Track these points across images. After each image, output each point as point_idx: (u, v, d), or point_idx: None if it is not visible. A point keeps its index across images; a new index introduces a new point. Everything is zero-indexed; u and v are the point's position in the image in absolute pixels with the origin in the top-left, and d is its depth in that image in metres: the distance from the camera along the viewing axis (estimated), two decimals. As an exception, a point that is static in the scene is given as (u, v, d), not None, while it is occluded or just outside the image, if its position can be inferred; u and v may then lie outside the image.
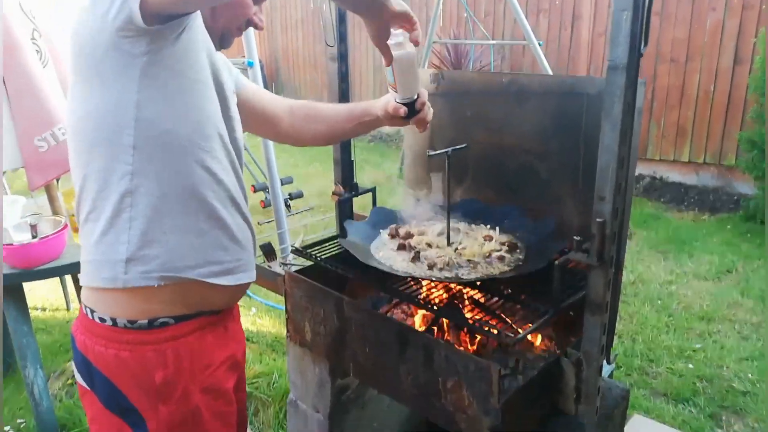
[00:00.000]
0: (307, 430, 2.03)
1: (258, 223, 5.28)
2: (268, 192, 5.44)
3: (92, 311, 1.11)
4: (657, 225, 5.15)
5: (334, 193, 1.96)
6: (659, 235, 4.88)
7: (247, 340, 3.32)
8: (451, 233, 1.72)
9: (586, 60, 6.40)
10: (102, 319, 1.09)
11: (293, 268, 1.87)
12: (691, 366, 3.07)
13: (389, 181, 6.44)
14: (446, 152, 1.62)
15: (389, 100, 1.41)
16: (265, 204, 5.35)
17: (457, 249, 1.66)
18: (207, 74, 1.10)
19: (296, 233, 4.62)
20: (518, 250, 1.67)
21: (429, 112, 1.42)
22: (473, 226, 1.86)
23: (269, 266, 1.92)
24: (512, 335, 1.31)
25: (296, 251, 1.80)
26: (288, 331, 1.89)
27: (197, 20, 1.04)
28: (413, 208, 1.97)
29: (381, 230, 1.84)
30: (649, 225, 5.14)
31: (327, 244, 1.88)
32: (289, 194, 5.43)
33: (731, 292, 3.88)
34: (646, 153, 6.12)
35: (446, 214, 1.68)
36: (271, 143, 3.07)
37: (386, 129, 8.90)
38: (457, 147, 1.66)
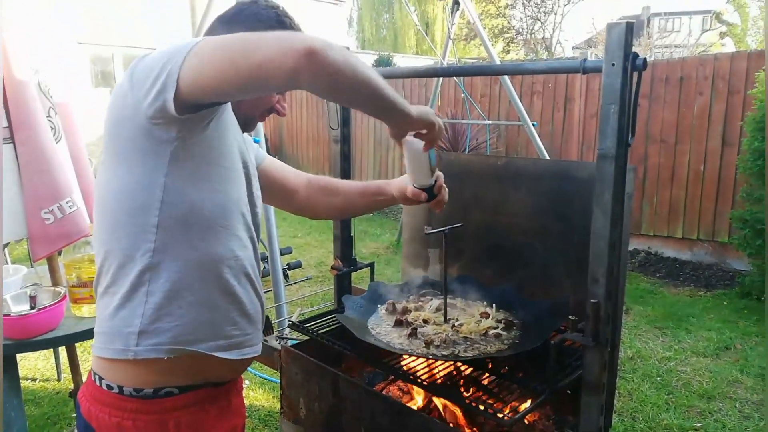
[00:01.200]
0: None
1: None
2: (266, 262, 5.47)
3: (101, 378, 1.11)
4: (653, 300, 5.15)
5: (333, 268, 1.99)
6: (656, 311, 4.87)
7: (240, 414, 3.25)
8: (448, 309, 1.75)
9: (578, 139, 6.62)
10: (109, 387, 1.10)
11: (290, 343, 1.88)
12: (693, 447, 3.01)
13: (387, 252, 6.48)
14: (443, 230, 1.67)
15: (407, 183, 1.47)
16: (263, 274, 5.36)
17: (454, 326, 1.67)
18: (235, 159, 1.15)
19: (294, 304, 4.61)
20: (514, 328, 1.69)
21: (445, 193, 1.47)
22: (470, 302, 1.89)
23: (265, 340, 1.92)
24: (510, 415, 1.31)
25: (293, 326, 1.81)
26: (282, 408, 1.87)
27: (227, 108, 1.11)
28: (411, 283, 2.00)
29: (378, 305, 1.86)
30: (646, 300, 5.14)
31: (324, 319, 1.89)
32: (288, 264, 5.45)
33: (730, 369, 3.84)
34: (640, 229, 6.21)
35: (443, 290, 1.71)
36: (273, 213, 3.13)
37: (384, 201, 9.03)
38: (454, 225, 1.71)
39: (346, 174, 2.00)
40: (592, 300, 1.36)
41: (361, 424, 1.60)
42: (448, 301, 1.76)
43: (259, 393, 3.47)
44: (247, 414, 3.26)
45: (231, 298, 1.17)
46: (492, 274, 1.97)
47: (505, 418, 1.31)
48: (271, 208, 3.12)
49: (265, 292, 4.40)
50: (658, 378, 3.74)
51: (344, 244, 2.02)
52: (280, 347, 1.83)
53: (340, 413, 1.66)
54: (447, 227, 1.68)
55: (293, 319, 2.11)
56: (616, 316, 1.47)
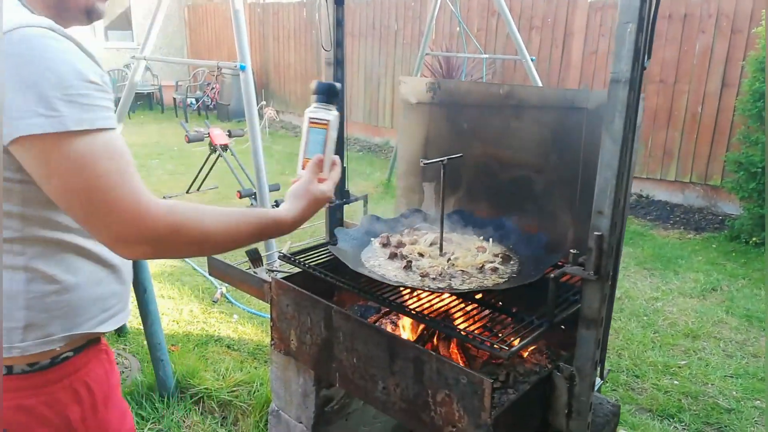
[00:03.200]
0: (289, 442, 1.98)
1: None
2: (254, 198, 5.39)
3: None
4: (643, 242, 5.17)
5: (330, 201, 1.92)
6: (645, 252, 4.89)
7: (229, 347, 3.25)
8: (444, 244, 1.69)
9: (576, 77, 6.46)
10: None
11: (279, 275, 1.83)
12: (676, 382, 3.06)
13: (378, 191, 6.41)
14: (441, 161, 1.59)
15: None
16: (252, 210, 5.28)
17: (449, 259, 1.62)
18: None
19: (282, 240, 4.57)
20: (512, 262, 1.64)
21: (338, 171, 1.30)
22: (466, 236, 1.83)
23: (255, 272, 1.87)
24: (506, 348, 1.27)
25: (284, 258, 1.75)
26: (272, 340, 1.84)
27: None
28: (405, 217, 1.94)
29: (372, 239, 1.80)
30: (635, 242, 5.16)
31: (315, 252, 1.83)
32: (276, 201, 5.36)
33: (716, 310, 3.89)
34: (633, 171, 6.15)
35: (439, 223, 1.65)
36: (261, 149, 3.02)
37: (376, 140, 8.90)
38: (453, 156, 1.63)
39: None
40: (596, 233, 1.31)
41: (354, 355, 1.57)
42: (444, 235, 1.70)
43: (247, 327, 3.47)
44: (236, 347, 3.27)
45: (111, 269, 1.06)
46: (489, 208, 1.91)
47: (502, 350, 1.27)
48: (258, 141, 3.00)
49: None
50: (645, 317, 3.78)
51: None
52: (270, 279, 1.78)
53: (332, 345, 1.62)
54: (445, 157, 1.60)
55: (284, 251, 2.05)
56: (618, 250, 1.42)
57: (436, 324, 1.39)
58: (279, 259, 1.77)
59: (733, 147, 5.29)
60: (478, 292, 1.48)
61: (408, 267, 1.57)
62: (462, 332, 1.34)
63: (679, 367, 3.21)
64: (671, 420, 2.76)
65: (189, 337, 3.32)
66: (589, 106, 1.62)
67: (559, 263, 1.59)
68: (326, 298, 1.70)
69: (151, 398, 2.69)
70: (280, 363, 1.88)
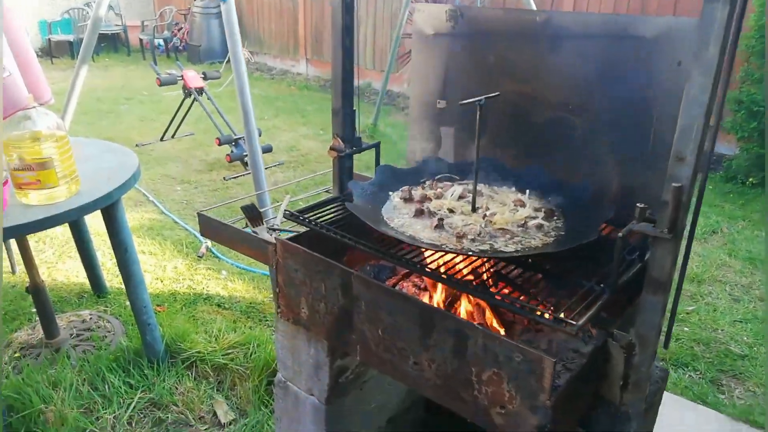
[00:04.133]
0: (298, 414, 1.80)
1: (224, 179, 4.93)
2: (234, 145, 5.08)
3: None
4: (638, 186, 5.05)
5: (332, 149, 1.68)
6: (642, 197, 4.78)
7: (219, 306, 3.05)
8: (476, 197, 1.48)
9: (570, 2, 6.13)
10: None
11: (283, 235, 1.60)
12: (686, 329, 2.98)
13: (364, 137, 6.12)
14: (479, 101, 1.36)
15: None
16: (232, 158, 4.98)
17: (485, 216, 1.41)
18: None
19: (277, 193, 4.31)
20: (555, 217, 1.44)
21: None
22: (495, 188, 1.62)
23: (254, 232, 1.64)
24: (572, 322, 1.09)
25: (291, 216, 1.52)
26: (278, 307, 1.63)
27: None
28: (424, 167, 1.72)
29: (390, 193, 1.58)
30: (631, 186, 5.03)
31: (323, 209, 1.61)
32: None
33: (718, 253, 3.80)
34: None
35: (474, 173, 1.42)
36: (248, 90, 2.73)
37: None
38: (491, 95, 1.39)
39: (348, 53, 1.63)
40: (674, 183, 1.10)
41: (378, 326, 1.37)
42: (472, 188, 1.48)
43: (237, 284, 3.26)
44: (227, 306, 3.07)
45: None
46: (521, 156, 1.69)
47: (567, 324, 1.09)
48: (245, 78, 2.70)
49: (234, 177, 4.11)
50: (648, 263, 3.68)
51: (345, 119, 1.69)
52: (274, 241, 1.55)
53: (351, 315, 1.42)
54: (482, 97, 1.36)
55: (284, 207, 1.81)
56: (699, 204, 1.23)
57: (487, 295, 1.19)
58: (284, 217, 1.54)
59: (732, 86, 5.11)
60: (531, 255, 1.28)
61: (440, 226, 1.36)
62: (520, 305, 1.14)
63: (687, 314, 3.13)
64: (686, 369, 2.68)
65: (175, 297, 3.10)
66: (647, 34, 1.39)
67: (611, 217, 1.39)
68: (337, 261, 1.50)
69: (140, 364, 2.50)
70: (287, 332, 1.68)
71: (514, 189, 1.61)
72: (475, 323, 1.18)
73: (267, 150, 5.17)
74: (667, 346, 1.33)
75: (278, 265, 1.58)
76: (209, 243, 3.64)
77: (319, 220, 1.53)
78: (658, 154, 1.43)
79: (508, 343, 1.15)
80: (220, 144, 4.97)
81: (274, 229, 1.70)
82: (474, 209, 1.46)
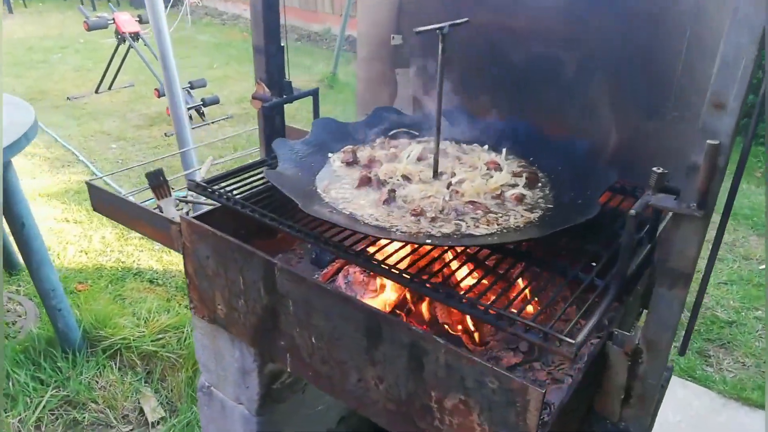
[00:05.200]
0: (226, 424, 1.49)
1: (165, 134, 4.46)
2: (176, 96, 4.59)
3: None
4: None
5: (254, 97, 1.31)
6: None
7: (151, 282, 2.68)
8: (438, 159, 1.14)
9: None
10: None
11: (196, 211, 1.25)
12: (669, 296, 2.75)
13: (322, 87, 5.67)
14: (439, 29, 1.00)
15: None
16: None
17: (450, 184, 1.08)
18: None
19: (212, 149, 3.89)
20: (541, 185, 1.12)
21: None
22: (465, 147, 1.28)
23: (158, 207, 1.28)
24: (568, 341, 0.77)
25: (197, 187, 1.16)
26: (191, 302, 1.29)
27: None
28: (374, 120, 1.36)
29: (330, 154, 1.23)
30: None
31: (242, 176, 1.25)
32: (202, 100, 4.61)
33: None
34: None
35: (436, 127, 1.08)
36: (167, 33, 2.28)
37: (315, 27, 7.96)
38: (456, 22, 1.03)
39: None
40: (709, 141, 0.78)
41: (311, 333, 1.05)
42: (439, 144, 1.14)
43: (174, 255, 2.88)
44: (160, 282, 2.70)
45: None
46: (495, 104, 1.35)
47: (562, 343, 0.77)
48: (162, 19, 2.26)
49: (168, 135, 3.62)
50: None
51: (270, 60, 1.31)
52: (179, 219, 1.19)
53: (278, 316, 1.09)
54: (445, 24, 1.01)
55: (202, 173, 1.45)
56: (738, 172, 0.92)
57: (449, 298, 0.86)
58: (189, 189, 1.17)
59: None
60: (509, 243, 0.95)
61: (391, 200, 1.02)
62: (496, 314, 0.82)
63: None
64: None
65: (101, 272, 2.72)
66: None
67: (617, 184, 1.08)
68: (264, 241, 1.16)
69: (52, 355, 2.13)
70: (205, 331, 1.35)
71: (487, 147, 1.27)
72: (434, 336, 0.86)
73: (213, 102, 4.71)
74: (684, 353, 1.03)
75: (186, 250, 1.22)
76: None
77: (234, 193, 1.17)
78: (680, 100, 1.11)
79: (480, 364, 0.83)
80: (159, 96, 4.47)
81: (186, 201, 1.33)
82: (436, 175, 1.12)
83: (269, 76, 1.31)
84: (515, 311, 0.83)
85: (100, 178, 3.64)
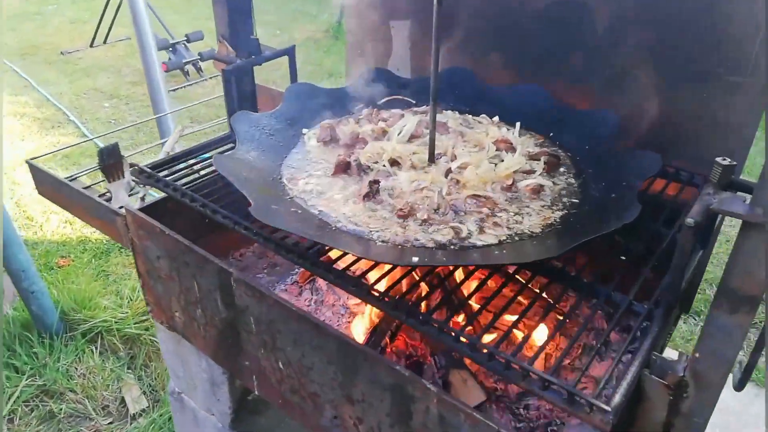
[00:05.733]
0: None
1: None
2: (171, 50, 4.35)
3: None
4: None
5: (216, 59, 1.08)
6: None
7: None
8: (437, 136, 0.91)
9: None
10: None
11: (146, 197, 1.04)
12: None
13: (327, 37, 5.35)
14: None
15: None
16: (169, 67, 4.25)
17: (450, 171, 0.85)
18: None
19: (210, 111, 3.67)
20: (563, 170, 0.89)
21: None
22: (470, 119, 1.05)
23: (107, 193, 1.07)
24: (603, 407, 0.56)
25: (141, 174, 0.95)
26: (147, 304, 1.10)
27: None
28: (361, 84, 1.12)
29: (304, 130, 1.00)
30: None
31: (199, 159, 1.03)
32: (199, 54, 4.34)
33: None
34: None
35: (431, 95, 0.85)
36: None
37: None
38: (457, -40, 0.79)
39: None
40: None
41: (277, 357, 0.85)
42: (436, 118, 0.91)
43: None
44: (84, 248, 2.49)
45: None
46: (506, 66, 1.11)
47: (594, 409, 0.57)
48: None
49: (174, 90, 3.32)
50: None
51: (233, 15, 1.07)
52: (123, 212, 0.99)
53: (239, 333, 0.90)
54: (442, -38, 0.76)
55: (168, 147, 1.24)
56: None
57: (442, 335, 0.65)
58: (132, 176, 0.96)
59: None
60: (520, 264, 0.73)
61: (373, 194, 0.80)
62: (505, 362, 0.61)
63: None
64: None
65: (85, 245, 2.55)
66: None
67: (667, 168, 0.85)
68: (230, 234, 0.95)
69: (28, 340, 1.99)
70: (168, 336, 1.16)
71: (497, 119, 1.04)
72: (425, 383, 0.66)
73: (211, 56, 4.43)
74: (742, 388, 0.82)
75: (134, 247, 1.02)
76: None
77: (185, 180, 0.96)
78: (743, 60, 0.86)
79: (484, 424, 0.63)
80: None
81: (146, 183, 1.12)
82: (432, 158, 0.89)
83: (233, 32, 1.07)
84: (530, 357, 0.62)
85: (91, 140, 3.45)
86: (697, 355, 0.74)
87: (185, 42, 4.41)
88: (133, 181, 1.13)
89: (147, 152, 2.21)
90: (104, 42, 5.16)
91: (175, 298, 1.00)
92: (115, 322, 2.06)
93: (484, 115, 1.06)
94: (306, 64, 4.67)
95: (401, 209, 0.76)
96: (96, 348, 2.01)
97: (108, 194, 1.10)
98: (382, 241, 0.72)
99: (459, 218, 0.77)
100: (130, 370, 1.95)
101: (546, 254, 0.64)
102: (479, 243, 0.72)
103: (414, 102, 1.10)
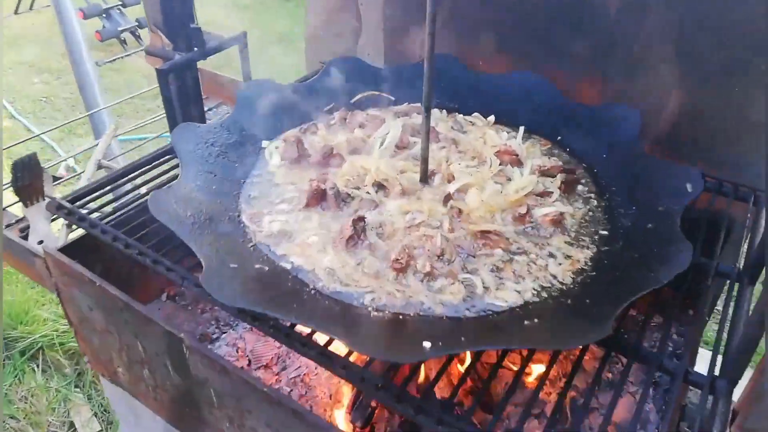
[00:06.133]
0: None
1: (96, 63, 3.85)
2: (105, 17, 3.98)
3: None
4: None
5: (148, 53, 0.88)
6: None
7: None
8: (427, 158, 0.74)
9: None
10: None
11: (73, 233, 0.85)
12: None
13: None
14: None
15: None
16: (103, 36, 3.89)
17: (450, 198, 0.69)
18: None
19: (154, 83, 3.35)
20: (583, 185, 0.74)
21: None
22: (460, 118, 0.89)
23: (22, 218, 0.87)
24: None
25: (60, 209, 0.75)
26: (83, 353, 0.92)
27: None
28: (329, 76, 0.94)
29: (263, 143, 0.82)
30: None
31: (136, 180, 0.84)
32: (137, 21, 3.97)
33: None
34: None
35: (423, 104, 0.68)
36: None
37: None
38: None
39: None
40: None
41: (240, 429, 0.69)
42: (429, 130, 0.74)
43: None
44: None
45: None
46: (502, 48, 0.94)
47: None
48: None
49: (111, 61, 3.02)
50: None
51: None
52: (42, 251, 0.79)
53: (197, 401, 0.73)
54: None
55: (98, 153, 1.04)
56: None
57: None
58: (48, 209, 0.76)
59: None
60: (559, 348, 0.57)
61: (358, 236, 0.63)
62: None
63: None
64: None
65: (19, 245, 2.29)
66: None
67: (716, 180, 0.71)
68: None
69: (-42, 363, 1.76)
70: (115, 387, 0.98)
71: (492, 119, 0.88)
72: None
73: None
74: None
75: (60, 293, 0.83)
76: (72, 160, 2.76)
77: (107, 216, 0.76)
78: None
79: None
80: (84, 17, 3.82)
81: (68, 213, 0.92)
82: (425, 178, 0.73)
83: (168, 19, 0.87)
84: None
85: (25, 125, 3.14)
86: (748, 412, 0.62)
87: (120, 7, 4.03)
88: (57, 210, 0.92)
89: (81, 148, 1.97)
90: (30, 8, 4.70)
91: (115, 354, 0.82)
92: (57, 336, 1.85)
93: (477, 114, 0.89)
94: (253, 28, 4.36)
95: (397, 259, 0.60)
96: (38, 366, 1.80)
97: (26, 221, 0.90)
98: (377, 310, 0.56)
99: (468, 264, 0.62)
100: (78, 389, 1.76)
101: (593, 334, 0.48)
102: (500, 304, 0.57)
103: (393, 99, 0.92)
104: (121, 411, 1.07)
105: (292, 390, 0.86)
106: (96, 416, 1.69)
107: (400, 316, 0.55)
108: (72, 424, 1.68)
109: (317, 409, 0.82)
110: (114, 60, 3.85)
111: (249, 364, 0.91)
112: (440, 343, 0.49)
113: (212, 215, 0.66)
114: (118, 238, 0.70)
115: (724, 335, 0.62)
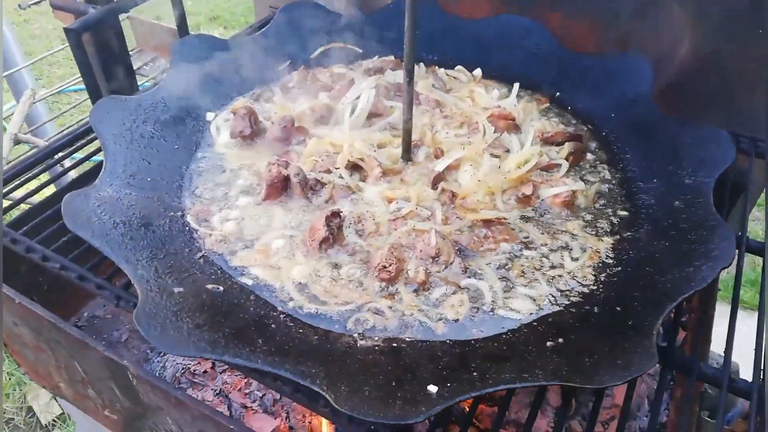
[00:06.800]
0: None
1: (19, 6, 3.47)
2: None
3: None
4: None
5: (54, 6, 0.71)
6: None
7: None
8: (411, 129, 0.61)
9: None
10: None
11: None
12: None
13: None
14: None
15: None
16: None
17: (440, 178, 0.58)
18: None
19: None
20: (590, 155, 0.63)
21: None
22: (442, 73, 0.75)
23: None
24: None
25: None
26: (18, 364, 0.80)
27: None
28: (282, 29, 0.78)
29: (209, 116, 0.68)
30: None
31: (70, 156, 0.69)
32: None
33: None
34: None
35: (404, 68, 0.55)
36: None
37: None
38: None
39: None
40: None
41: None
42: (413, 98, 0.61)
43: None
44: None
45: None
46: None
47: None
48: None
49: (36, 3, 2.73)
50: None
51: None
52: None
53: (155, 425, 0.63)
54: None
55: (13, 126, 0.88)
56: None
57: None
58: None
59: None
60: (601, 387, 0.47)
61: (334, 238, 0.51)
62: None
63: None
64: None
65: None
66: None
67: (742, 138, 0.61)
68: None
69: None
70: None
71: (479, 73, 0.75)
72: None
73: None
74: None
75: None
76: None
77: (22, 216, 0.62)
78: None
79: None
80: (56, 7, 3.41)
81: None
82: (408, 155, 0.61)
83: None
84: None
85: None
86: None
87: (41, -62, 3.60)
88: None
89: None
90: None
91: (53, 370, 0.70)
92: (5, 316, 1.71)
93: (460, 68, 0.76)
94: None
95: (384, 267, 0.49)
96: (-14, 350, 1.67)
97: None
98: (365, 337, 0.45)
99: (469, 265, 0.51)
100: (34, 372, 1.64)
101: (638, 362, 0.38)
102: (514, 318, 0.46)
103: (360, 51, 0.78)
104: (79, 419, 0.96)
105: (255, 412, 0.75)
106: (56, 399, 1.58)
107: (394, 344, 0.44)
108: (30, 409, 1.57)
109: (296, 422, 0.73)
110: (39, 2, 3.49)
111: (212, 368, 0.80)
112: (448, 384, 0.39)
113: (148, 218, 0.53)
114: (32, 249, 0.56)
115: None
